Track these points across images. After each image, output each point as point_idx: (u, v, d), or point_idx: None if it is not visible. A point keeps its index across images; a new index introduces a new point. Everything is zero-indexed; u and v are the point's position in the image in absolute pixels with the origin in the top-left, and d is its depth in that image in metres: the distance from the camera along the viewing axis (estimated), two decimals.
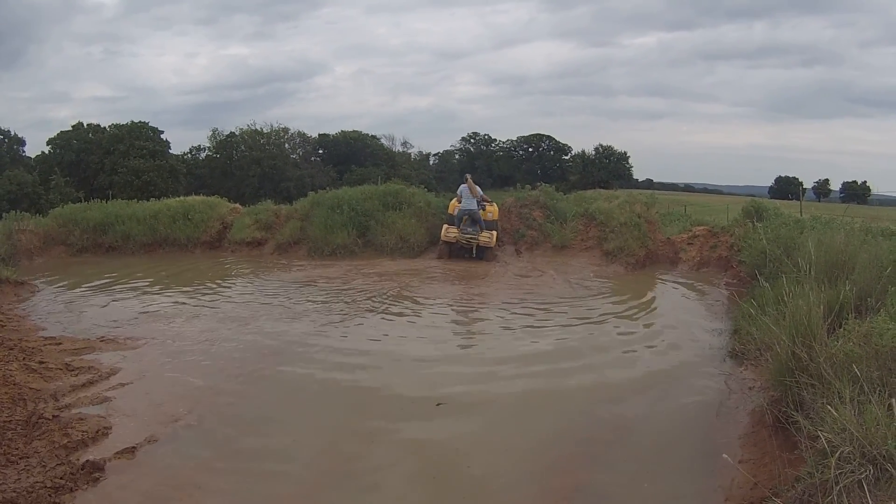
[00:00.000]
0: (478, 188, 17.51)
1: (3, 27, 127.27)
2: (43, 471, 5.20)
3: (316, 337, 9.62)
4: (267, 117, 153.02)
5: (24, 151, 70.09)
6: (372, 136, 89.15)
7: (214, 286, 13.52)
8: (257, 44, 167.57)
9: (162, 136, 69.89)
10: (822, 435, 3.99)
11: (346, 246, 17.49)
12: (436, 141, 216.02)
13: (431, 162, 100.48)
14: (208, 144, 77.93)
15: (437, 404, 7.11)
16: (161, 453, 5.81)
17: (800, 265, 7.45)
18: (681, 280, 14.96)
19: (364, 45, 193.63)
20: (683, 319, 10.89)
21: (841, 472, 3.70)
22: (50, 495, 4.89)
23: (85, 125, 68.29)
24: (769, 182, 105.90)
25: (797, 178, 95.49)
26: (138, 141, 65.76)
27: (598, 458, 5.87)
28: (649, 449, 6.06)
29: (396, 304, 11.79)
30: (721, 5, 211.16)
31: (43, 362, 7.89)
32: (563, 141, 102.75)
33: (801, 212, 18.90)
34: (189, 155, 77.62)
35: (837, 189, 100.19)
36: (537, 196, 18.83)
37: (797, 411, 4.90)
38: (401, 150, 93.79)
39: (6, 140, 69.23)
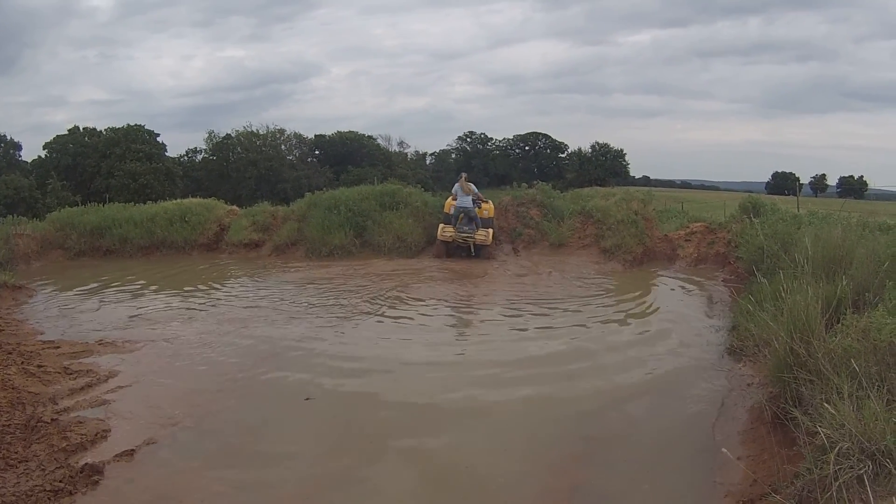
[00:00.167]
0: (472, 186, 17.50)
1: None
2: (42, 474, 5.20)
3: (314, 339, 9.62)
4: (263, 119, 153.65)
5: (20, 156, 70.20)
6: (368, 136, 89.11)
7: (212, 288, 13.51)
8: (253, 46, 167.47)
9: (158, 138, 69.89)
10: (821, 431, 3.99)
11: (343, 246, 17.46)
12: (432, 141, 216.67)
13: (428, 162, 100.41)
14: (205, 147, 77.97)
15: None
16: (160, 456, 5.80)
17: (797, 261, 7.46)
18: (678, 277, 14.95)
19: (360, 46, 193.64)
20: (681, 316, 10.89)
21: (840, 468, 3.70)
22: (49, 499, 4.89)
23: (81, 129, 68.19)
24: (766, 178, 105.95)
25: (794, 174, 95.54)
26: (134, 144, 65.66)
27: (596, 457, 5.88)
28: (648, 446, 6.06)
29: (394, 304, 11.79)
30: (715, 2, 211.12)
31: (41, 366, 7.89)
32: (559, 139, 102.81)
33: (798, 207, 18.95)
34: (185, 157, 77.56)
35: (834, 184, 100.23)
36: (534, 194, 18.80)
37: (796, 407, 4.90)
38: (397, 150, 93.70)
39: (2, 144, 69.21)
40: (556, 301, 12.02)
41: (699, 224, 18.08)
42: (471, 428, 6.57)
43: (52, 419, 6.31)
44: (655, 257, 16.84)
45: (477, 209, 17.18)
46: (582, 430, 6.41)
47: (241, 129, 78.23)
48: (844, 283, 6.47)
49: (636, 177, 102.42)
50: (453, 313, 11.46)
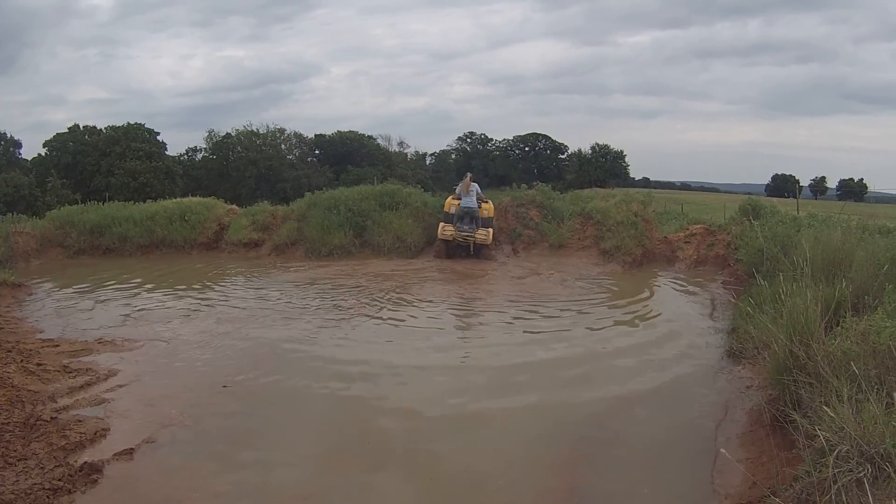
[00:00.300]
0: (475, 186, 17.53)
1: None
2: (41, 473, 5.20)
3: (313, 339, 9.63)
4: (263, 119, 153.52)
5: (20, 154, 70.01)
6: (368, 136, 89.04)
7: (211, 288, 13.51)
8: (252, 45, 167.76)
9: (158, 137, 69.79)
10: (820, 434, 4.00)
11: (342, 246, 17.45)
12: (432, 141, 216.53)
13: (428, 162, 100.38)
14: (204, 146, 77.89)
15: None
16: (159, 455, 5.81)
17: (797, 263, 7.46)
18: (678, 279, 14.95)
19: (359, 46, 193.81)
20: (681, 319, 10.89)
21: (839, 471, 3.71)
22: (48, 497, 4.89)
23: (81, 127, 68.10)
24: (766, 180, 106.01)
25: (794, 176, 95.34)
26: (134, 143, 65.54)
27: (595, 458, 5.88)
28: (647, 448, 6.07)
29: (394, 305, 11.77)
30: (715, 3, 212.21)
31: (41, 364, 7.88)
32: (559, 140, 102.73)
33: (797, 209, 18.95)
34: (185, 156, 77.45)
35: (834, 186, 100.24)
36: (534, 195, 18.79)
37: (795, 410, 4.91)
38: (397, 150, 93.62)
39: (2, 143, 69.07)
40: (556, 303, 12.00)
41: (699, 226, 18.09)
42: (471, 430, 6.57)
43: (51, 417, 6.31)
44: (655, 259, 16.83)
45: (478, 208, 17.19)
46: (581, 432, 6.42)
47: (242, 129, 78.26)
48: (844, 285, 6.48)
49: (636, 178, 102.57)
50: (453, 315, 11.44)
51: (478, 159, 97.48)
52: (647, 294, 13.21)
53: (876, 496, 3.49)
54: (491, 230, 17.23)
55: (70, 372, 7.74)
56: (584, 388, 7.66)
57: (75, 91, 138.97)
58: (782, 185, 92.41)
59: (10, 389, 6.90)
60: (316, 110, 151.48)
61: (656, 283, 14.51)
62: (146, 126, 69.11)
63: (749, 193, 28.19)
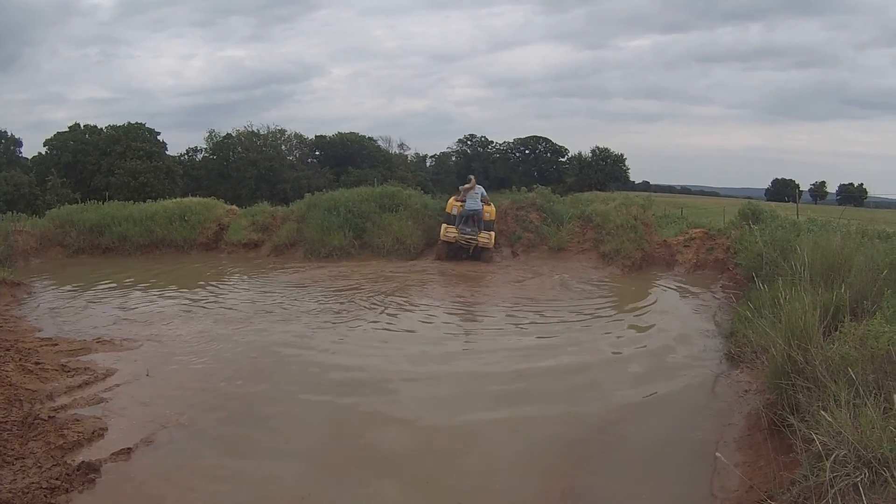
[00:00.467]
0: (480, 188, 17.59)
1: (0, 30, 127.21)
2: (39, 472, 5.19)
3: (311, 340, 9.63)
4: (263, 119, 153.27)
5: (20, 153, 69.88)
6: (368, 137, 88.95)
7: (210, 288, 13.51)
8: (253, 46, 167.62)
9: (158, 137, 69.71)
10: (818, 438, 4.00)
11: (342, 248, 17.48)
12: (432, 143, 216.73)
13: (428, 164, 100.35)
14: (205, 146, 77.86)
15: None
16: (156, 454, 5.81)
17: (796, 268, 7.46)
18: (677, 282, 14.97)
19: (360, 47, 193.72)
20: (680, 322, 10.90)
21: (836, 476, 3.71)
22: (45, 496, 4.89)
23: (82, 126, 68.03)
24: (765, 184, 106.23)
25: (794, 181, 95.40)
26: (135, 142, 65.43)
27: (593, 462, 5.88)
28: (645, 452, 6.07)
29: (392, 307, 11.77)
30: (716, 7, 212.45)
31: (39, 363, 7.88)
32: (559, 143, 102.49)
33: (797, 214, 18.93)
34: (186, 156, 77.32)
35: (834, 191, 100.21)
36: (534, 198, 18.85)
37: (793, 414, 4.91)
38: (397, 152, 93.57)
39: (3, 141, 68.98)
40: (556, 307, 12.00)
41: (698, 230, 18.10)
42: (466, 429, 6.57)
43: (49, 416, 6.30)
44: (654, 263, 16.86)
45: (481, 211, 17.22)
46: (578, 435, 6.41)
47: (242, 129, 78.23)
48: (843, 290, 6.48)
49: (636, 182, 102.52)
50: (453, 319, 11.40)
51: (478, 162, 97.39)
52: (646, 298, 13.21)
53: (873, 501, 3.48)
54: (493, 233, 17.25)
55: (68, 371, 7.74)
56: (582, 393, 7.65)
57: (76, 90, 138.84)
58: (782, 190, 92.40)
59: (9, 388, 6.90)
60: (317, 111, 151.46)
61: (656, 287, 14.51)
62: (147, 126, 69.09)
63: (749, 198, 28.26)
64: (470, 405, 7.21)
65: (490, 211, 17.58)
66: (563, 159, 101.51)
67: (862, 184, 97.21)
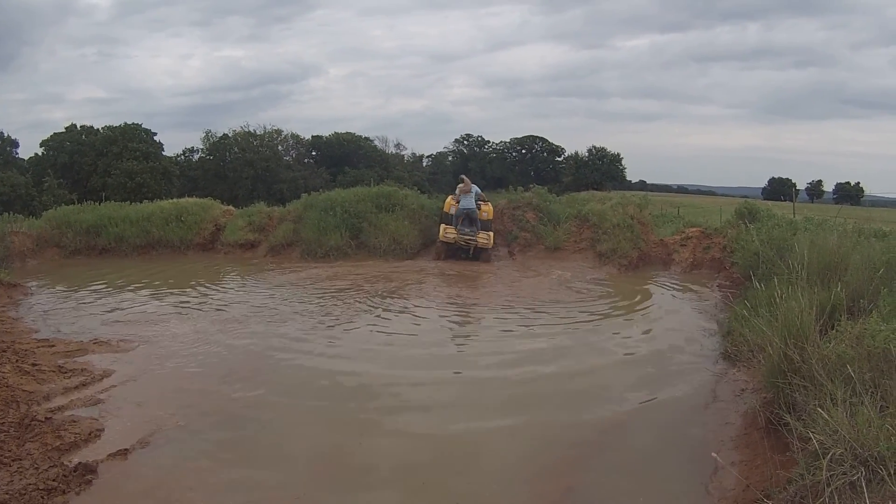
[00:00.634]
0: (476, 187, 17.60)
1: None
2: (35, 473, 5.19)
3: (308, 340, 9.63)
4: (261, 119, 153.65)
5: (17, 153, 69.67)
6: (365, 138, 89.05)
7: (207, 288, 13.50)
8: (251, 46, 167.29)
9: (155, 138, 69.63)
10: (814, 437, 4.01)
11: (339, 248, 17.46)
12: (429, 143, 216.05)
13: (424, 164, 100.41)
14: (201, 146, 77.84)
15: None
16: (153, 455, 5.80)
17: (792, 267, 7.47)
18: (674, 282, 14.99)
19: (358, 47, 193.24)
20: (676, 321, 10.92)
21: (833, 474, 3.72)
22: (42, 497, 4.88)
23: (78, 127, 67.97)
24: (762, 183, 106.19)
25: (790, 180, 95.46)
26: (131, 143, 65.43)
27: (589, 462, 5.89)
28: (641, 451, 6.07)
29: (389, 308, 11.76)
30: (714, 7, 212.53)
31: (36, 364, 7.86)
32: (556, 143, 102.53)
33: (793, 213, 18.97)
34: (182, 157, 77.32)
35: (830, 190, 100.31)
36: (530, 198, 18.85)
37: (789, 413, 4.91)
38: (394, 152, 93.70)
39: None
40: (553, 307, 11.99)
41: (695, 229, 18.11)
42: (463, 430, 6.57)
43: (45, 418, 6.29)
44: (651, 262, 16.88)
45: (477, 210, 17.21)
46: (574, 435, 6.42)
47: (239, 129, 78.24)
48: (839, 289, 6.49)
49: (633, 181, 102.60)
50: (450, 320, 11.38)
51: (475, 161, 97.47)
52: (642, 297, 13.21)
53: (870, 499, 3.49)
54: (491, 234, 17.26)
55: (65, 372, 7.72)
56: (579, 394, 7.65)
57: (73, 90, 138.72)
58: (779, 189, 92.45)
59: (5, 389, 6.88)
60: (314, 111, 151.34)
61: (652, 286, 14.52)
62: (143, 126, 69.10)
63: (745, 197, 28.29)
64: (469, 405, 7.22)
65: (487, 210, 17.59)
66: (559, 159, 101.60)
67: (858, 182, 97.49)
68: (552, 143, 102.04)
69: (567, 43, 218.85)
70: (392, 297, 12.51)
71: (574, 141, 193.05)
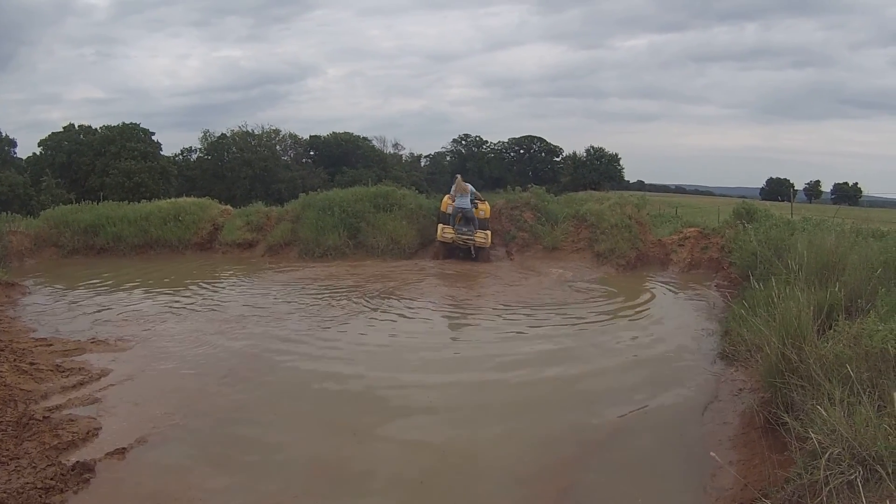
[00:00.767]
0: (469, 186, 17.56)
1: None
2: (33, 472, 5.18)
3: (306, 339, 9.63)
4: (259, 119, 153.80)
5: (15, 153, 69.56)
6: (363, 137, 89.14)
7: (205, 288, 13.48)
8: (250, 46, 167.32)
9: (153, 137, 69.69)
10: (812, 436, 4.01)
11: (337, 247, 17.45)
12: (428, 143, 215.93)
13: (423, 164, 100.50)
14: (200, 146, 77.85)
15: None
16: (151, 454, 5.80)
17: (790, 267, 7.48)
18: (672, 281, 14.99)
19: (356, 47, 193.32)
20: (674, 321, 10.92)
21: (830, 474, 3.72)
22: (40, 496, 4.88)
23: (76, 126, 67.96)
24: (760, 184, 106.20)
25: (788, 180, 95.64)
26: (130, 142, 65.47)
27: (587, 461, 5.88)
28: (639, 451, 6.07)
29: (387, 308, 11.74)
30: (712, 7, 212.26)
31: (34, 364, 7.86)
32: (554, 143, 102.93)
33: (791, 213, 18.98)
34: (180, 157, 77.37)
35: (828, 190, 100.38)
36: (528, 198, 18.84)
37: (787, 413, 4.92)
38: (392, 151, 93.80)
39: None
40: (551, 306, 12.01)
41: (693, 229, 18.12)
42: (461, 430, 6.57)
43: (43, 417, 6.29)
44: (649, 262, 16.87)
45: (473, 209, 17.20)
46: (572, 434, 6.42)
47: (237, 129, 78.28)
48: (837, 289, 6.50)
49: (631, 181, 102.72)
50: (447, 322, 11.37)
51: (473, 161, 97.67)
52: (640, 297, 13.21)
53: (867, 498, 3.49)
54: (489, 233, 17.26)
55: (63, 371, 7.72)
56: (577, 394, 7.64)
57: (72, 90, 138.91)
58: (777, 189, 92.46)
59: (3, 388, 6.88)
60: (313, 111, 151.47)
61: (650, 286, 14.50)
62: (142, 126, 69.11)
63: (743, 197, 28.30)
64: (468, 406, 7.21)
65: (484, 209, 17.59)
66: (557, 159, 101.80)
67: (857, 183, 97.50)
68: (550, 144, 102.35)
69: (565, 43, 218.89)
70: (390, 297, 12.49)
71: (572, 141, 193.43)
